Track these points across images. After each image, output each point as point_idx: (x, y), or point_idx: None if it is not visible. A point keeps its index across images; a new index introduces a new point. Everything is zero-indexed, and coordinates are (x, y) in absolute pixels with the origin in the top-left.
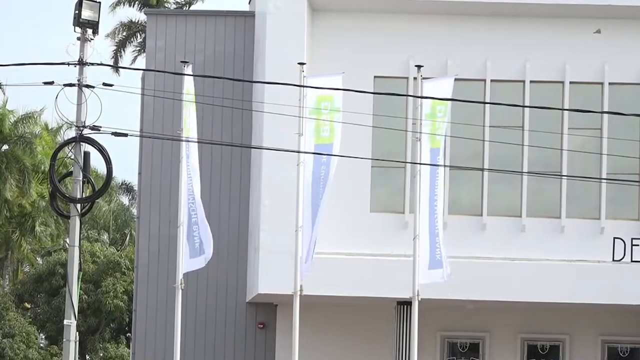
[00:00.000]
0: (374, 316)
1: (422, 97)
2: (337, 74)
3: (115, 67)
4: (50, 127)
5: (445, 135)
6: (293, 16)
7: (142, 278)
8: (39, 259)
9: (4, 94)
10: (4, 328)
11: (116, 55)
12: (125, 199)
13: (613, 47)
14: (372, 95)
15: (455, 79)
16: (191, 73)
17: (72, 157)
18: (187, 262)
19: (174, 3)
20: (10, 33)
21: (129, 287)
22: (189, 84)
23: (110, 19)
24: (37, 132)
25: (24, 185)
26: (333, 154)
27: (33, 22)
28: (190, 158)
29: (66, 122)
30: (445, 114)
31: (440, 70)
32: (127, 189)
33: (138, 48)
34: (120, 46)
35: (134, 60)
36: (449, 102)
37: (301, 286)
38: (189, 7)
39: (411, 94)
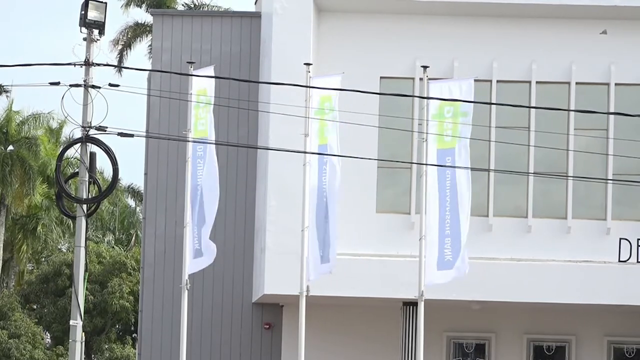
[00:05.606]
0: (380, 316)
1: (427, 98)
2: (337, 74)
3: (122, 68)
4: (53, 127)
5: (461, 137)
6: (299, 17)
7: (148, 278)
8: (43, 260)
9: (8, 97)
10: (10, 328)
11: (121, 56)
12: (131, 202)
13: (619, 48)
14: (378, 95)
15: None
16: (206, 74)
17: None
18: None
19: (182, 5)
20: (13, 34)
21: (135, 288)
22: (208, 86)
23: (118, 20)
24: (42, 133)
25: (28, 186)
26: (334, 154)
27: (36, 22)
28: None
29: (71, 121)
30: (455, 115)
31: (447, 71)
32: (134, 193)
33: (149, 50)
34: (125, 47)
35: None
36: (470, 104)
37: (308, 287)
38: (201, 8)
39: (417, 95)
